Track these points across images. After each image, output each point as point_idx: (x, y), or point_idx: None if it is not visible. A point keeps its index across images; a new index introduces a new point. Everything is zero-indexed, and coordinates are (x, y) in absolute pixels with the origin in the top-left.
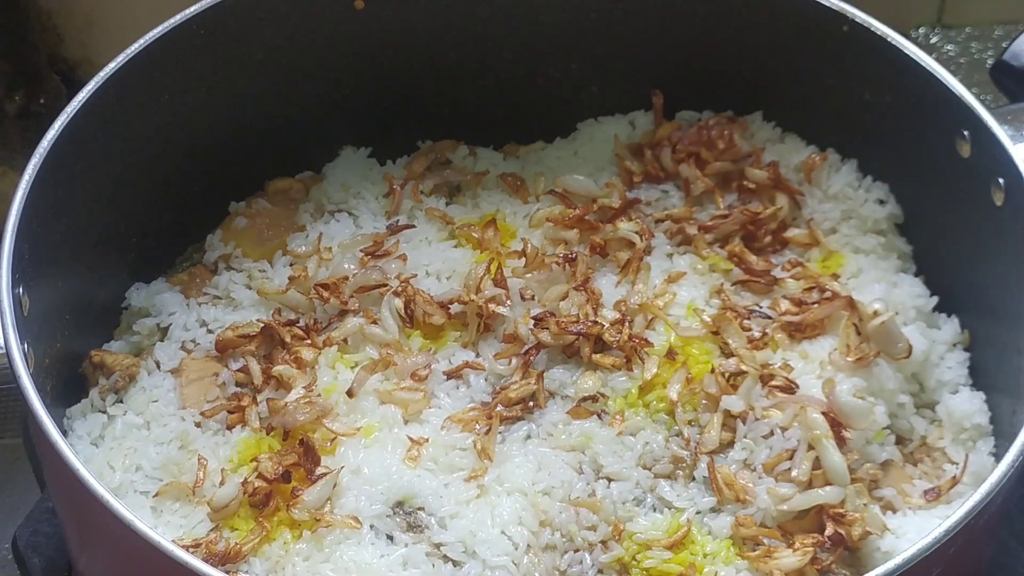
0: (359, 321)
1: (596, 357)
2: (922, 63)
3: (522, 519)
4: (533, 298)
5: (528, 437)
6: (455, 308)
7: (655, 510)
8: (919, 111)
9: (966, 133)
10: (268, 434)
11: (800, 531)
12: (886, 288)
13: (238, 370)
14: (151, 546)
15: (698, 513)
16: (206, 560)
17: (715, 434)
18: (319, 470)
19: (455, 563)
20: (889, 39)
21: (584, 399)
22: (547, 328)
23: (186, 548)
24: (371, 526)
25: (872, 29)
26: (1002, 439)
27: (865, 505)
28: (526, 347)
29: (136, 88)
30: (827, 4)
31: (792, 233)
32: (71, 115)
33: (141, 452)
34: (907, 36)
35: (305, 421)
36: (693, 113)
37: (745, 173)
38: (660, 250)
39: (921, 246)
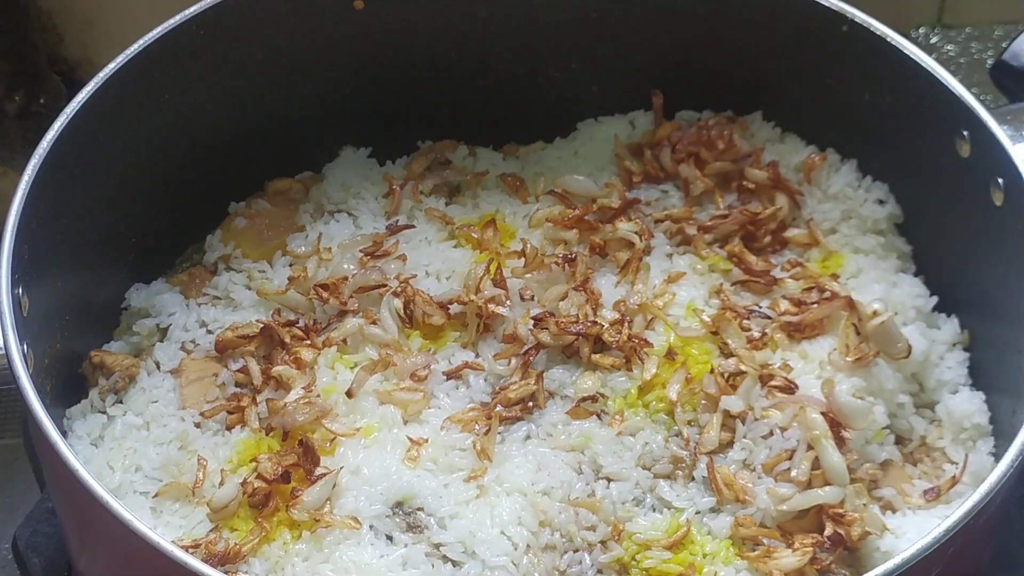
0: (359, 321)
1: (596, 357)
2: (922, 63)
3: (522, 519)
4: (533, 298)
5: (528, 437)
6: (455, 308)
7: (655, 510)
8: (919, 111)
9: (966, 133)
10: (268, 434)
11: (800, 531)
12: (886, 288)
13: (238, 370)
14: (151, 546)
15: (698, 513)
16: (206, 560)
17: (715, 434)
18: (318, 470)
19: (455, 563)
20: (889, 39)
21: (584, 399)
22: (547, 328)
23: (186, 548)
24: (371, 526)
25: (872, 29)
26: (1002, 439)
27: (865, 505)
28: (526, 347)
29: (136, 88)
30: (827, 4)
31: (792, 233)
32: (71, 115)
33: (141, 452)
34: (907, 36)
35: (305, 421)
36: (693, 113)
37: (745, 173)
38: (660, 250)
39: (921, 246)
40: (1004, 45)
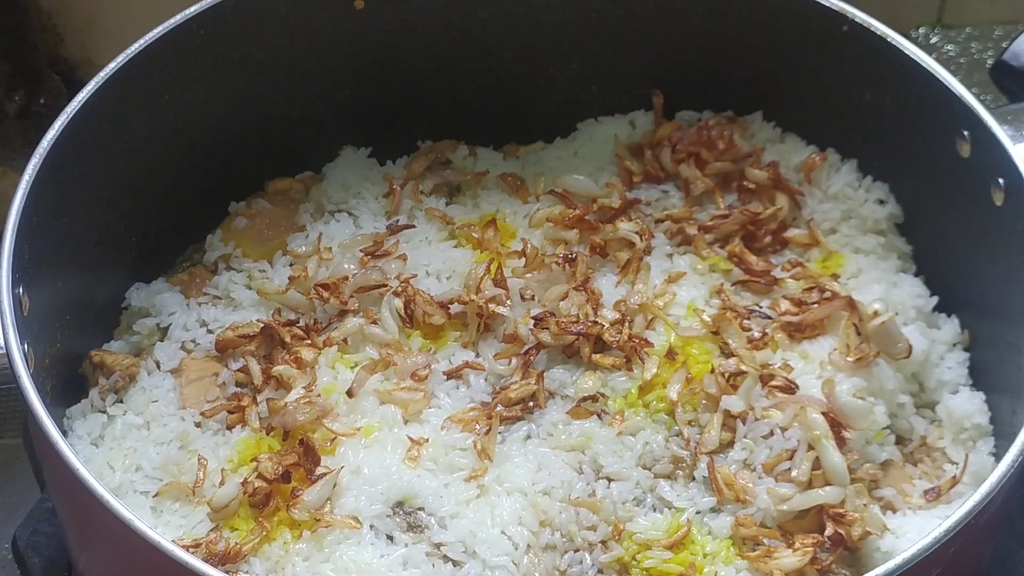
0: (359, 321)
1: (596, 357)
2: (922, 63)
3: (522, 519)
4: (533, 298)
5: (528, 437)
6: (455, 308)
7: (655, 510)
8: (919, 111)
9: (966, 133)
10: (268, 434)
11: (800, 531)
12: (886, 288)
13: (238, 370)
14: (151, 546)
15: (698, 513)
16: (206, 560)
17: (715, 434)
18: (319, 470)
19: (455, 563)
20: (889, 39)
21: (584, 399)
22: (547, 328)
23: (186, 548)
24: (371, 526)
25: (872, 29)
26: (1002, 439)
27: (865, 505)
28: (526, 347)
29: (136, 88)
30: (827, 4)
31: (792, 233)
32: (71, 115)
33: (141, 452)
34: (907, 36)
35: (305, 421)
36: (693, 113)
37: (745, 173)
38: (660, 250)
39: (921, 246)
40: (1004, 45)
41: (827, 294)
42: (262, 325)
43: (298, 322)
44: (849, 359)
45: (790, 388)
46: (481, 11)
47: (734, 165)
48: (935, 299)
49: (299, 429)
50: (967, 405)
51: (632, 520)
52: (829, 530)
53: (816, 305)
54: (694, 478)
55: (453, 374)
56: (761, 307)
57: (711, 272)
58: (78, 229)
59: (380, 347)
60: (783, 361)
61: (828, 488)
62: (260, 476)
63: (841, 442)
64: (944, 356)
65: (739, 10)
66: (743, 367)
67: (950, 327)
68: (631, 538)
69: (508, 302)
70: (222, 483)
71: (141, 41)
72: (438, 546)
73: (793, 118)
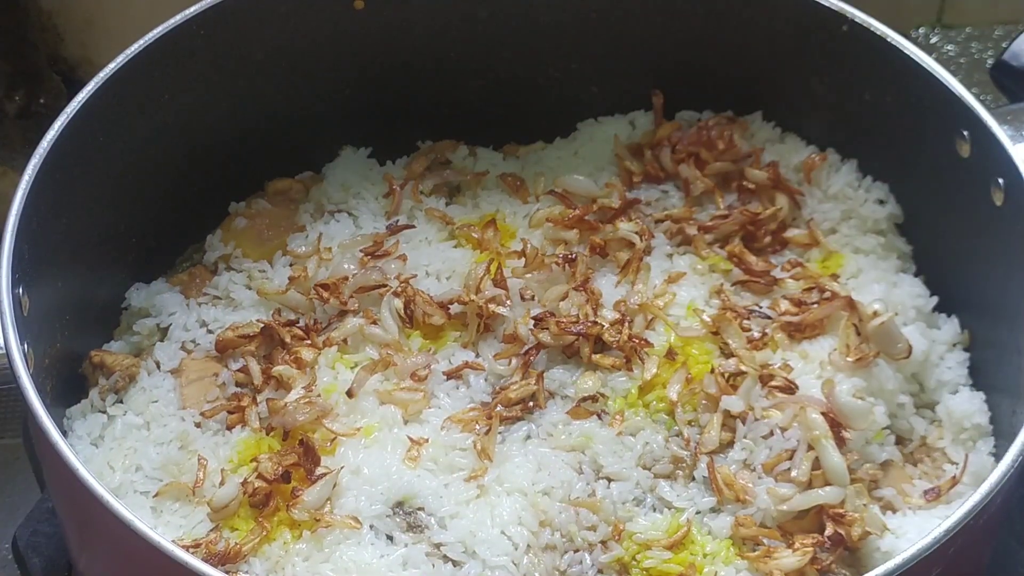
0: (359, 321)
1: (596, 357)
2: (922, 63)
3: (522, 519)
4: (533, 298)
5: (528, 437)
6: (455, 308)
7: (655, 510)
8: (919, 111)
9: (966, 133)
10: (268, 434)
11: (800, 531)
12: (886, 288)
13: (238, 370)
14: (151, 546)
15: (698, 513)
16: (206, 560)
17: (715, 434)
18: (319, 470)
19: (455, 563)
20: (889, 39)
21: (584, 399)
22: (547, 328)
23: (186, 548)
24: (371, 526)
25: (872, 29)
26: (1002, 439)
27: (865, 505)
28: (526, 347)
29: (136, 88)
30: (827, 4)
31: (792, 233)
32: (71, 115)
33: (141, 452)
34: (907, 36)
35: (305, 421)
36: (693, 113)
37: (745, 173)
38: (660, 250)
39: (921, 246)
40: (1004, 45)
41: (827, 294)
42: (262, 325)
43: (298, 322)
44: (849, 359)
45: (790, 388)
46: (481, 11)
47: (734, 165)
48: (935, 299)
49: (299, 429)
50: (967, 405)
51: (632, 520)
52: (829, 530)
53: (816, 305)
54: (694, 478)
55: (453, 374)
56: (761, 307)
57: (711, 272)
58: (78, 229)
59: (380, 347)
60: (783, 361)
61: (828, 488)
62: (260, 476)
63: (841, 442)
64: (944, 356)
65: (739, 10)
66: (743, 367)
67: (950, 327)
68: (631, 538)
69: (508, 302)
70: (222, 483)
71: (141, 41)
72: (438, 546)
73: (793, 118)
